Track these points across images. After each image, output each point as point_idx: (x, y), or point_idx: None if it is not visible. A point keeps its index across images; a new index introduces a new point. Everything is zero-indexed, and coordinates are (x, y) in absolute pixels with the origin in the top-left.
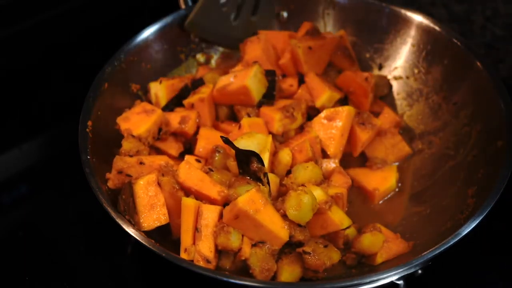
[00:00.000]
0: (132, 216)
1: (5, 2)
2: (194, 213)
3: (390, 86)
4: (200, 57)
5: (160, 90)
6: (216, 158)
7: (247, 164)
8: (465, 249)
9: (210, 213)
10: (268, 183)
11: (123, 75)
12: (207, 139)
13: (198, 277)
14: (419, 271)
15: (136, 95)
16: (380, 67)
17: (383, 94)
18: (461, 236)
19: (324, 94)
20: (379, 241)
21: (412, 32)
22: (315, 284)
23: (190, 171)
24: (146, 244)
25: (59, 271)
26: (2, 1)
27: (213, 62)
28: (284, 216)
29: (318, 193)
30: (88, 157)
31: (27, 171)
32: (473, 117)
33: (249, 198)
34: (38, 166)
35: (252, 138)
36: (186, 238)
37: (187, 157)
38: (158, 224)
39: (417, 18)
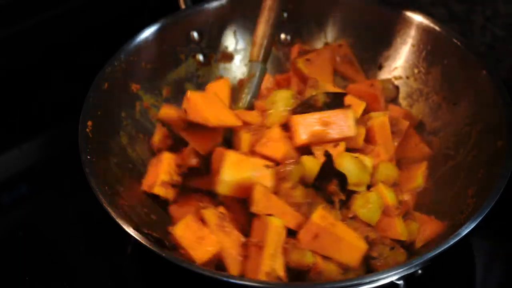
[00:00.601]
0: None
1: (5, 2)
2: (282, 234)
3: (397, 88)
4: (200, 57)
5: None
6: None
7: (325, 181)
8: (465, 249)
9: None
10: (340, 208)
11: (123, 75)
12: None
13: (198, 277)
14: (419, 271)
15: (136, 95)
16: (380, 67)
17: (392, 97)
18: (461, 236)
19: (362, 106)
20: (414, 229)
21: (412, 32)
22: (315, 284)
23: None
24: (146, 244)
25: (59, 271)
26: (2, 1)
27: (213, 62)
28: (352, 220)
29: (392, 196)
30: (88, 157)
31: (27, 171)
32: (473, 117)
33: (320, 214)
34: (38, 166)
35: (358, 164)
36: (268, 262)
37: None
38: (214, 252)
39: (417, 18)
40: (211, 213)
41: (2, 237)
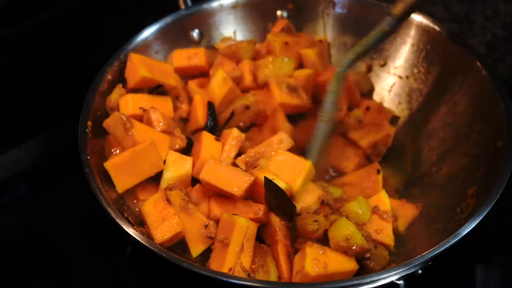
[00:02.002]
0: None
1: (5, 2)
2: (245, 233)
3: (371, 83)
4: None
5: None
6: None
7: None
8: (465, 249)
9: (252, 226)
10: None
11: (123, 75)
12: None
13: (198, 277)
14: (419, 271)
15: None
16: (383, 66)
17: (366, 90)
18: (461, 236)
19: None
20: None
21: (412, 32)
22: (315, 284)
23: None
24: (146, 244)
25: (59, 271)
26: (2, 1)
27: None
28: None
29: (388, 202)
30: (88, 157)
31: (27, 171)
32: (473, 117)
33: (312, 260)
34: (38, 166)
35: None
36: (231, 258)
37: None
38: (173, 233)
39: (417, 18)
40: (176, 194)
41: (2, 237)
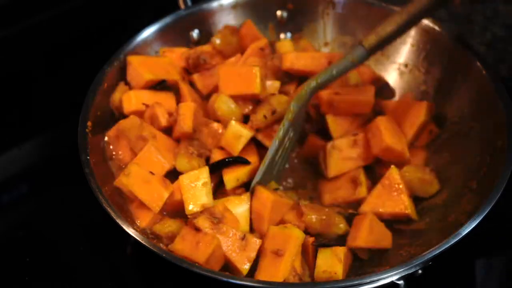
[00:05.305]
0: None
1: (5, 2)
2: (300, 244)
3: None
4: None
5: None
6: None
7: None
8: (465, 249)
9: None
10: None
11: (123, 75)
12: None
13: (198, 277)
14: (419, 271)
15: None
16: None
17: None
18: (461, 236)
19: None
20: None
21: (412, 32)
22: (315, 284)
23: None
24: (146, 244)
25: (59, 271)
26: (2, 1)
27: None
28: None
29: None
30: (88, 157)
31: (27, 171)
32: (473, 117)
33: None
34: (38, 166)
35: None
36: (286, 268)
37: None
38: (211, 248)
39: None
40: (202, 220)
41: (2, 237)
